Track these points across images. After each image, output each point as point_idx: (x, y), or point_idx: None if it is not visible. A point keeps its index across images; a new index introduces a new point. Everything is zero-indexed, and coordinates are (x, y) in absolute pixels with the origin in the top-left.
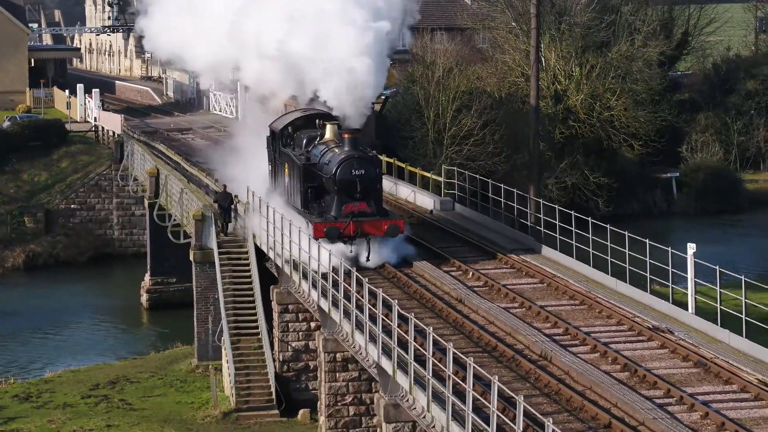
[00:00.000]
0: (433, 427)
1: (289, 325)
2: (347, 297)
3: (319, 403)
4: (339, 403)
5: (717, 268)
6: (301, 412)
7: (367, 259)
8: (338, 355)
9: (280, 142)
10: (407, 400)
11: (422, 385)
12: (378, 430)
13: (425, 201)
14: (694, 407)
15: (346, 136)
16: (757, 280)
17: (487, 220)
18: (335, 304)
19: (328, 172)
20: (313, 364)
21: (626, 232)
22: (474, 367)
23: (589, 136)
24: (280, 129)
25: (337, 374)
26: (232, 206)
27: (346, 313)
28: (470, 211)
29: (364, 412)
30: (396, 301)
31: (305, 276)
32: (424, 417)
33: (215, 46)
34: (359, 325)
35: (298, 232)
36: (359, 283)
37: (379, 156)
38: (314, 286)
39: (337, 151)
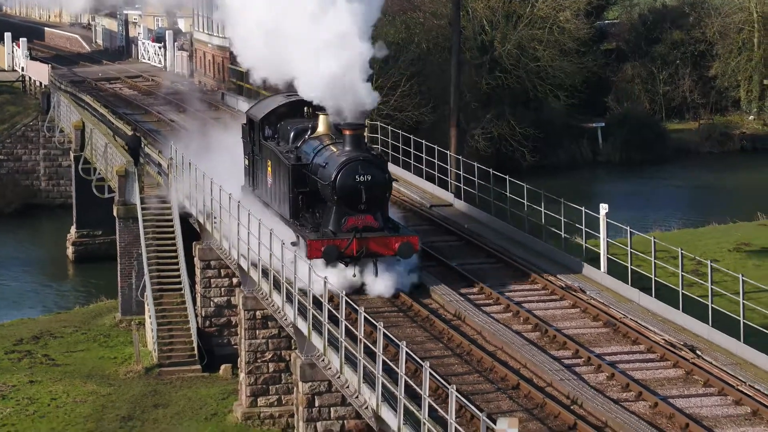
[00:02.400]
0: (347, 387)
1: (212, 281)
2: (266, 256)
3: (239, 359)
4: (259, 360)
5: (628, 228)
6: (222, 367)
7: (373, 284)
8: (258, 312)
9: (260, 133)
10: (323, 360)
11: (336, 346)
12: (296, 388)
13: None
14: (601, 368)
15: (347, 132)
16: (672, 234)
17: (408, 175)
18: (254, 263)
19: (326, 176)
20: (234, 319)
21: (542, 191)
22: (384, 331)
23: (515, 86)
24: (261, 118)
25: (257, 331)
26: (140, 148)
27: (265, 273)
28: (392, 166)
29: (283, 369)
30: (311, 261)
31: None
32: (339, 377)
33: None
34: (277, 285)
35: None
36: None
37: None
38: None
39: (334, 150)
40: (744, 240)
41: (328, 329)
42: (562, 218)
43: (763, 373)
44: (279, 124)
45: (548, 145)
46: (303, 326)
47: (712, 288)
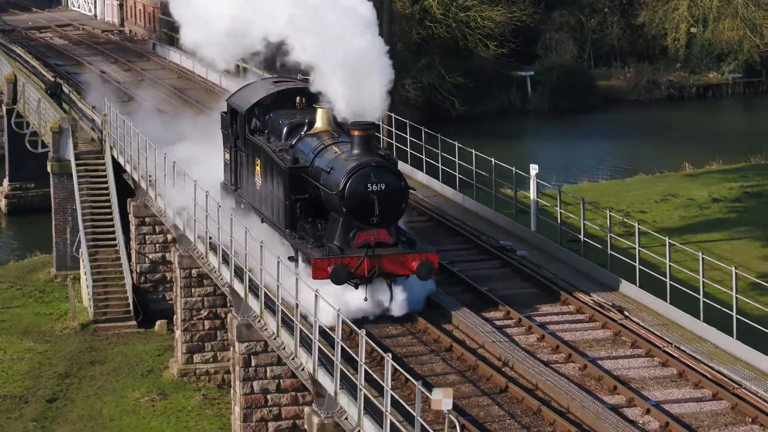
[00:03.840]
0: (284, 349)
1: (146, 237)
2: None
3: (175, 317)
4: (194, 318)
5: (558, 188)
6: (158, 323)
7: (388, 309)
8: (194, 271)
9: (246, 126)
10: (259, 321)
11: (273, 309)
12: (232, 348)
13: None
14: (532, 329)
15: (356, 133)
16: (601, 185)
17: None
18: (189, 224)
19: (332, 184)
20: (169, 275)
21: (473, 150)
22: (321, 297)
23: (445, 36)
24: (247, 109)
25: (193, 289)
26: (61, 92)
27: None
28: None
29: (219, 326)
30: (247, 227)
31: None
32: (275, 339)
33: None
34: (213, 246)
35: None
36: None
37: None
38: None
39: (337, 151)
40: (671, 191)
41: (265, 293)
42: (493, 177)
43: (689, 334)
44: (268, 116)
45: (478, 94)
46: (239, 288)
47: (639, 249)
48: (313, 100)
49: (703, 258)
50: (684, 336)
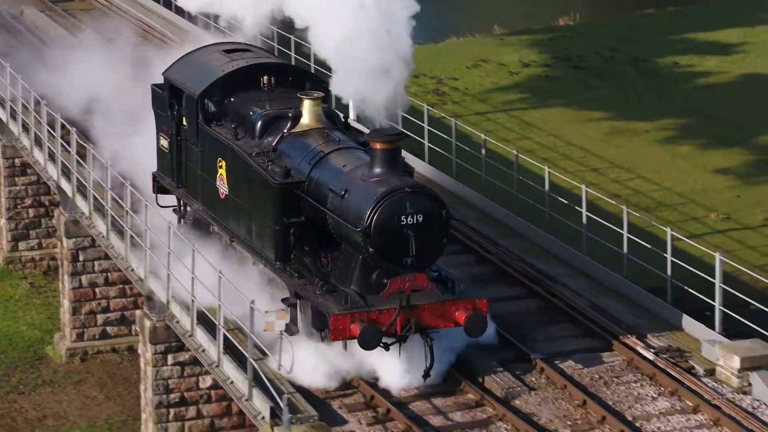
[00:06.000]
0: (113, 248)
1: None
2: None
3: None
4: (19, 206)
5: (425, 107)
6: None
7: (427, 374)
8: (17, 160)
9: (199, 113)
10: (87, 219)
11: (103, 212)
12: (60, 243)
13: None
14: None
15: (379, 146)
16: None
17: (197, 29)
18: (14, 116)
19: (348, 213)
20: None
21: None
22: (149, 205)
23: None
24: (201, 92)
25: (16, 179)
26: None
27: (26, 128)
28: (185, 22)
29: (43, 214)
30: (75, 130)
31: None
32: (104, 239)
33: None
34: (39, 141)
35: None
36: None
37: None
38: None
39: (345, 163)
40: (482, 56)
41: (94, 195)
42: (311, 64)
43: (506, 228)
44: (226, 100)
45: None
46: (67, 187)
47: (456, 144)
48: (282, 78)
49: (517, 155)
50: (503, 231)
